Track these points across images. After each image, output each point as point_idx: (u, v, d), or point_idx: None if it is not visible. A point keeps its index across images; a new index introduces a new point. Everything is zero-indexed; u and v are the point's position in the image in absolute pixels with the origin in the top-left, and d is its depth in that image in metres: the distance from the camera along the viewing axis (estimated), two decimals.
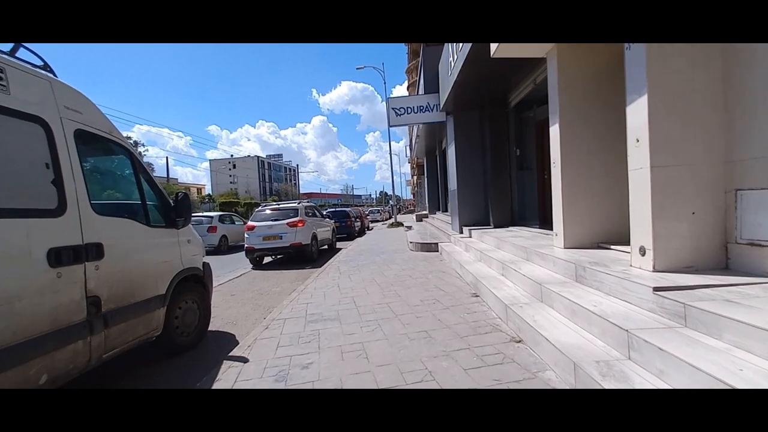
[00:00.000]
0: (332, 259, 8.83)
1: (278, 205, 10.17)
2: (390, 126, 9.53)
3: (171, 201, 3.47)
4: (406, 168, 64.76)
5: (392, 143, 26.89)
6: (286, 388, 2.44)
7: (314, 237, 9.56)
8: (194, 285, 3.73)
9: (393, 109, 9.05)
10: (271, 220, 9.06)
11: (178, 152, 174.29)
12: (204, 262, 3.99)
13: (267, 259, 9.70)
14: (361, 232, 17.83)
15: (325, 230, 10.95)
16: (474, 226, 8.23)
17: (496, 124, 7.91)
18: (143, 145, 48.71)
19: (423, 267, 6.70)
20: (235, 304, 5.40)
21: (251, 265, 9.06)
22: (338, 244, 12.61)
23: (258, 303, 5.40)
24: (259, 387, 2.50)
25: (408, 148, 49.37)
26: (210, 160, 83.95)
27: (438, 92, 8.77)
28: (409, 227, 16.18)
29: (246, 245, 8.93)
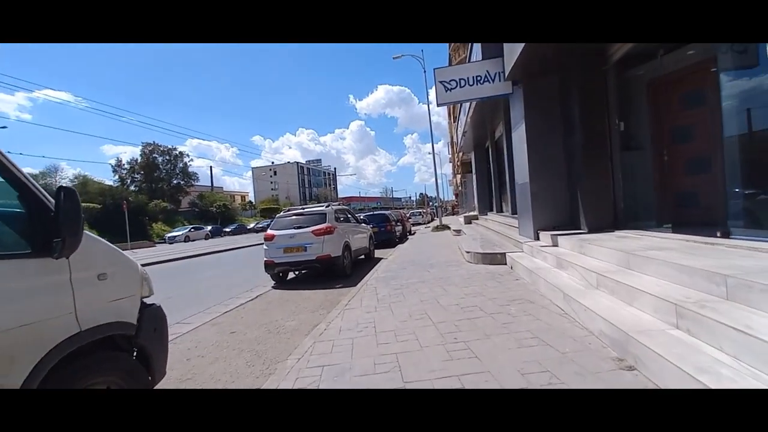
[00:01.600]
0: (369, 274, 7.05)
1: (303, 209, 8.45)
2: (438, 104, 7.56)
3: (51, 206, 1.83)
4: (447, 169, 62.19)
5: (432, 143, 24.27)
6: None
7: (347, 247, 7.80)
8: (114, 356, 2.07)
9: (441, 83, 7.07)
10: (294, 228, 7.39)
11: (226, 162, 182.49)
12: (148, 307, 2.34)
13: (291, 274, 8.11)
14: (403, 238, 15.92)
15: (360, 237, 9.18)
16: (554, 230, 6.06)
17: (588, 89, 5.70)
18: (188, 155, 49.97)
19: (495, 291, 4.71)
20: (228, 352, 3.76)
21: (273, 281, 7.53)
22: (377, 252, 10.81)
23: (258, 350, 3.72)
24: None
25: (449, 146, 46.67)
26: (252, 168, 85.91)
27: (501, 56, 6.71)
28: (458, 231, 14.05)
29: (265, 259, 7.35)
